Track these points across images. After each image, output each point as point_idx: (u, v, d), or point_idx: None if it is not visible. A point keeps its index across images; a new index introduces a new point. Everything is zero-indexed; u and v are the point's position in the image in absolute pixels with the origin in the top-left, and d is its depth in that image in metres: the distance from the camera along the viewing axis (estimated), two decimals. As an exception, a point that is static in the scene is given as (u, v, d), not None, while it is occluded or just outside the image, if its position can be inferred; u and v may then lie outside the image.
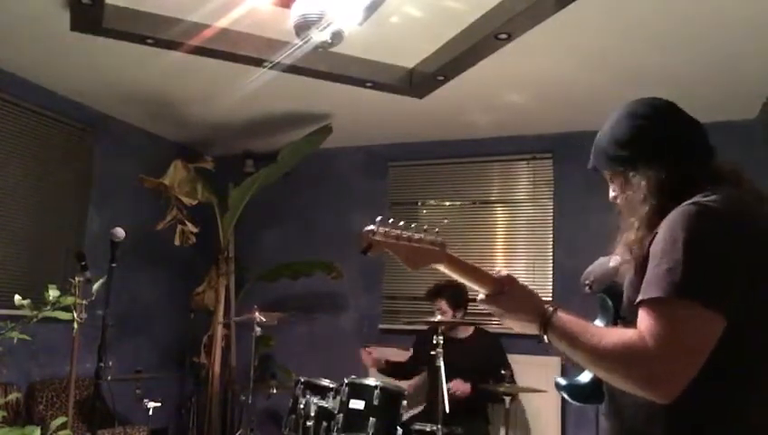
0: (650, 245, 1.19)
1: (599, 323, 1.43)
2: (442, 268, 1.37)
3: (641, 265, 1.19)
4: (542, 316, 1.26)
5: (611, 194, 1.42)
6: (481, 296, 1.36)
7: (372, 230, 1.32)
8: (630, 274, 1.25)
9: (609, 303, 1.41)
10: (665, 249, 1.13)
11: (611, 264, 1.38)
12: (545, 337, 1.25)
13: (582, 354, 1.18)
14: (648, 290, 1.12)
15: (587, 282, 1.47)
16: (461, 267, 1.37)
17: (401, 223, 1.36)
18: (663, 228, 1.17)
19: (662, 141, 1.31)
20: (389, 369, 4.23)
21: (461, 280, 1.39)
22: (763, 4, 2.98)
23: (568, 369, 1.14)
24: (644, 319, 1.12)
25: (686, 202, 1.17)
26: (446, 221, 5.13)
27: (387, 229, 1.33)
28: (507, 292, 1.32)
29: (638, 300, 1.14)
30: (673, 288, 1.09)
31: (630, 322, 1.19)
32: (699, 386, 1.09)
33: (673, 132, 1.31)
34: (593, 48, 3.53)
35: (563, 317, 1.24)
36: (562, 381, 1.50)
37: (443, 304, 3.95)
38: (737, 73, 3.72)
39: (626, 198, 1.35)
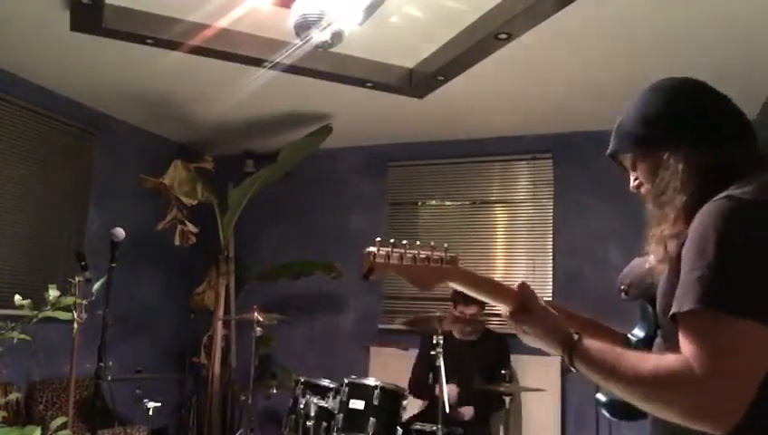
0: (683, 245, 1.05)
1: (638, 331, 1.33)
2: (455, 285, 1.28)
3: (676, 266, 1.05)
4: (566, 343, 1.16)
5: (633, 183, 1.27)
6: (505, 313, 1.27)
7: (373, 252, 1.20)
8: (665, 276, 1.11)
9: (650, 310, 1.27)
10: (696, 253, 1.00)
11: (647, 265, 1.22)
12: (572, 367, 1.15)
13: (617, 385, 1.05)
14: (681, 302, 0.99)
15: (622, 287, 1.33)
16: (475, 281, 1.29)
17: (404, 241, 1.24)
18: (693, 228, 1.04)
19: (703, 119, 1.15)
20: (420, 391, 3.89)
21: (475, 295, 1.30)
22: (763, 4, 2.98)
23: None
24: (684, 339, 0.99)
25: (717, 196, 1.03)
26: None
27: (389, 250, 1.21)
28: (531, 312, 1.22)
29: (671, 313, 1.02)
30: (706, 299, 0.96)
31: (664, 332, 1.10)
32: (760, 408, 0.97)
33: (715, 110, 1.17)
34: (593, 48, 3.53)
35: (590, 344, 1.12)
36: (602, 398, 1.31)
37: (474, 308, 3.81)
38: (736, 74, 3.72)
39: (656, 185, 1.18)
